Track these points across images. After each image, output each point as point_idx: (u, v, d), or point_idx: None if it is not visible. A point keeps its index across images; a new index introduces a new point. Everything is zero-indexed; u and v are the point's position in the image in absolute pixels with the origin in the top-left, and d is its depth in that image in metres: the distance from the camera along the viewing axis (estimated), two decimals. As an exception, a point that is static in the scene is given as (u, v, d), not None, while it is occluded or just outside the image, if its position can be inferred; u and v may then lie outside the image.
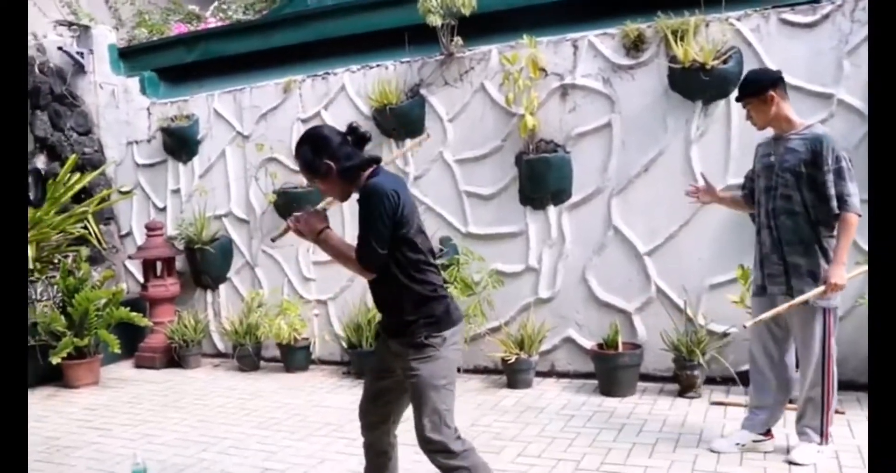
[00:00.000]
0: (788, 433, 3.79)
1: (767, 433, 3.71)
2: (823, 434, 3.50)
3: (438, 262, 3.21)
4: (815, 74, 4.50)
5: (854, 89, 4.41)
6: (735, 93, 3.70)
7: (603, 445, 3.90)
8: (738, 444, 3.70)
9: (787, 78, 4.45)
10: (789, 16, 4.57)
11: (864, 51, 4.35)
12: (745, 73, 3.98)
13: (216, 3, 7.86)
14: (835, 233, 3.42)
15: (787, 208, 3.45)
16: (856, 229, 3.38)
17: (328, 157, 2.64)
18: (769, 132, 3.61)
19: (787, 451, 3.61)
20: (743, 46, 4.66)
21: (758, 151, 3.69)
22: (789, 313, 3.47)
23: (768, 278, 3.55)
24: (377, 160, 2.74)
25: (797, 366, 3.64)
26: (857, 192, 3.35)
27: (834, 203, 3.34)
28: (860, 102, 4.38)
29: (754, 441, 3.69)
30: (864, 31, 4.35)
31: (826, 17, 4.47)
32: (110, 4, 8.33)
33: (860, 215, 3.35)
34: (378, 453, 2.99)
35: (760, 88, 3.48)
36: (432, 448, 2.67)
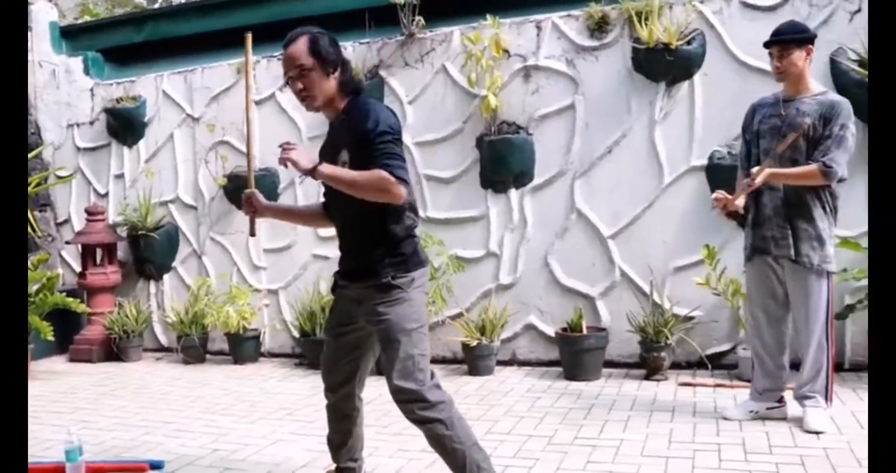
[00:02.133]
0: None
1: (780, 400, 3.63)
2: (829, 397, 3.47)
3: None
4: (777, 57, 4.54)
5: (815, 72, 4.44)
6: (764, 50, 3.56)
7: (574, 422, 3.77)
8: (751, 412, 3.64)
9: (752, 60, 4.54)
10: (750, -1, 4.61)
11: (822, 34, 4.39)
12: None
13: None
14: (838, 196, 3.41)
15: None
16: (812, 180, 3.32)
17: (340, 59, 2.50)
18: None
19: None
20: (706, 29, 4.68)
21: (756, 112, 3.59)
22: (793, 282, 3.44)
23: (771, 241, 3.45)
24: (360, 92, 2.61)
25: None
26: (843, 163, 3.30)
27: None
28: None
29: (768, 409, 3.63)
30: (822, 15, 4.42)
31: (785, 0, 4.52)
32: None
33: (829, 183, 3.33)
34: (341, 416, 2.80)
35: (807, 37, 3.40)
36: (403, 398, 2.47)
